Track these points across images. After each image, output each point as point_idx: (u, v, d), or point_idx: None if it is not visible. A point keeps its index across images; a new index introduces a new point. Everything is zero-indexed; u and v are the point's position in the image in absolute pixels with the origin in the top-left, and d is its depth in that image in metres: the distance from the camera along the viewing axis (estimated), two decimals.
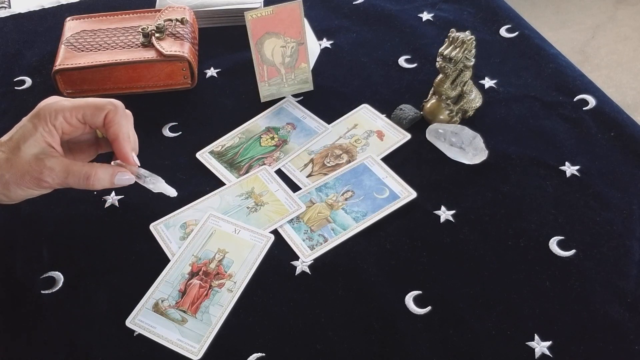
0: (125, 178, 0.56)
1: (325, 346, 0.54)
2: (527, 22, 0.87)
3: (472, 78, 0.71)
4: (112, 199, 0.66)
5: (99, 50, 0.76)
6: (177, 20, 0.78)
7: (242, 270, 0.59)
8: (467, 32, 0.68)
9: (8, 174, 0.53)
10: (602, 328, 0.54)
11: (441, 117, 0.71)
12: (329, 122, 0.73)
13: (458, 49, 0.67)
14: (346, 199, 0.65)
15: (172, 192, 0.59)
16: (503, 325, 0.55)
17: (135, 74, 0.75)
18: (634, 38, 2.06)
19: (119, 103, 0.56)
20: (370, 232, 0.62)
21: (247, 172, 0.68)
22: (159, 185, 0.58)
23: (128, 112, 0.57)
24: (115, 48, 0.76)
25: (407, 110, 0.73)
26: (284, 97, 0.76)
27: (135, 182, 0.57)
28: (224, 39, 0.85)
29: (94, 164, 0.56)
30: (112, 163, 0.57)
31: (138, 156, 0.58)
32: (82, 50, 0.76)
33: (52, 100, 0.56)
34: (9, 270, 0.60)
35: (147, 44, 0.76)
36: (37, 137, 0.53)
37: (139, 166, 0.57)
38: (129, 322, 0.55)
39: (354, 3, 0.91)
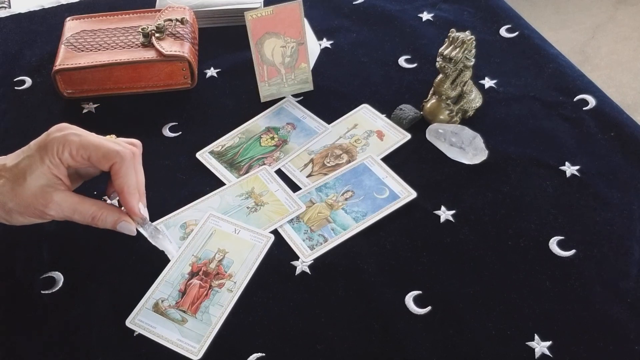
0: (128, 229, 0.56)
1: (325, 346, 0.54)
2: (527, 22, 0.87)
3: (472, 78, 0.71)
4: (112, 199, 0.66)
5: (99, 50, 0.76)
6: (177, 20, 0.78)
7: (242, 270, 0.59)
8: (467, 32, 0.68)
9: (12, 203, 0.53)
10: (602, 328, 0.54)
11: (441, 117, 0.71)
12: (329, 122, 0.73)
13: (458, 49, 0.67)
14: (346, 199, 0.65)
15: (172, 252, 0.58)
16: (503, 325, 0.55)
17: (135, 74, 0.75)
18: (634, 38, 2.06)
19: (126, 153, 0.54)
20: (370, 232, 0.62)
21: (247, 172, 0.68)
22: (160, 242, 0.57)
23: (136, 148, 0.56)
24: (115, 48, 0.76)
25: (407, 110, 0.73)
26: (284, 97, 0.76)
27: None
28: (224, 39, 0.85)
29: (101, 204, 0.55)
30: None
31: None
32: (82, 50, 0.76)
33: (61, 132, 0.54)
34: (9, 270, 0.60)
35: (147, 44, 0.76)
36: (44, 169, 0.53)
37: (146, 217, 0.57)
38: (129, 322, 0.55)
39: (354, 3, 0.91)
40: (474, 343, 0.54)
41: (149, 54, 0.75)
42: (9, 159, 0.54)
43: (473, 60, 0.69)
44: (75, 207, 0.54)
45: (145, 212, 0.57)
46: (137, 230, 0.57)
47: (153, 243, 0.58)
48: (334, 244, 0.61)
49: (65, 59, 0.75)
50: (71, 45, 0.76)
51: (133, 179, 0.55)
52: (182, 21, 0.78)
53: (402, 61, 0.81)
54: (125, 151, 0.54)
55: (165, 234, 0.58)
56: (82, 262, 0.60)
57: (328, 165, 0.69)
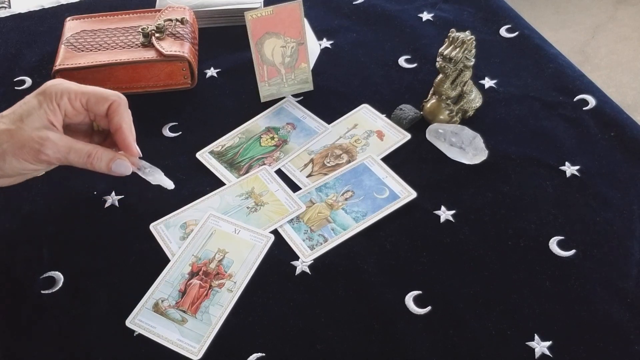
0: (124, 166, 0.57)
1: (325, 346, 0.54)
2: (527, 22, 0.87)
3: (472, 78, 0.71)
4: (112, 199, 0.66)
5: (99, 50, 0.76)
6: (177, 20, 0.78)
7: (242, 270, 0.59)
8: (467, 32, 0.68)
9: (6, 144, 0.53)
10: (602, 328, 0.54)
11: (441, 117, 0.71)
12: (329, 122, 0.73)
13: (458, 49, 0.67)
14: (346, 199, 0.65)
15: (169, 184, 0.61)
16: (503, 325, 0.55)
17: (135, 74, 0.75)
18: (634, 38, 2.06)
19: (123, 96, 0.58)
20: (370, 232, 0.62)
21: (247, 172, 0.68)
22: (157, 177, 0.59)
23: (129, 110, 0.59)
24: (115, 48, 0.76)
25: (407, 110, 0.73)
26: (284, 97, 0.76)
27: (133, 173, 0.58)
28: (224, 39, 0.85)
29: (96, 145, 0.57)
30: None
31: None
32: (82, 50, 0.76)
33: (59, 81, 0.57)
34: (9, 270, 0.60)
35: (147, 44, 0.76)
36: (40, 113, 0.54)
37: (140, 157, 0.58)
38: (129, 322, 0.55)
39: (354, 3, 0.91)
40: (474, 343, 0.54)
41: (149, 54, 0.75)
42: (6, 111, 0.56)
43: (473, 60, 0.69)
44: (71, 145, 0.55)
45: (139, 151, 0.58)
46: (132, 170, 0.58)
47: (149, 179, 0.59)
48: (334, 244, 0.61)
49: (65, 59, 0.75)
50: (71, 45, 0.76)
51: (129, 117, 0.58)
52: (182, 21, 0.79)
53: (402, 61, 0.81)
54: (121, 94, 0.58)
55: (157, 169, 0.59)
56: (82, 262, 0.60)
57: (328, 165, 0.69)
